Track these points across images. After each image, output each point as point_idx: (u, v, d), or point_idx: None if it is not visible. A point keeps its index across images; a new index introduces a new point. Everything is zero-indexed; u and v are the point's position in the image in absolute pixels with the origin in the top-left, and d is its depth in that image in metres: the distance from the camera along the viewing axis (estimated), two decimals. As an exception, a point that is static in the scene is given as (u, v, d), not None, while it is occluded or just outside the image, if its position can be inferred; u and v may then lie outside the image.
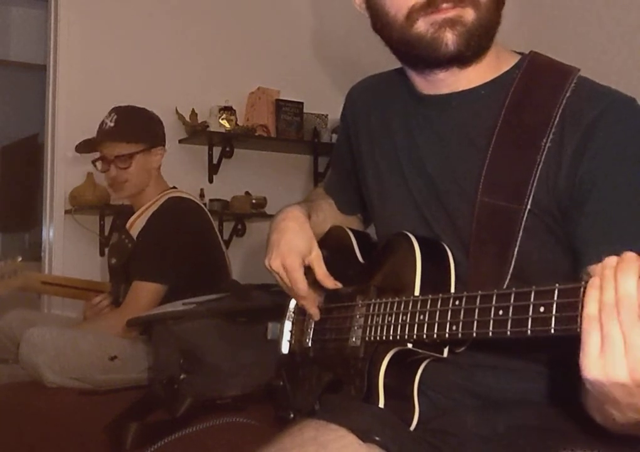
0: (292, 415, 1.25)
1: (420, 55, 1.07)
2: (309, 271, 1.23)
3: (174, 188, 2.65)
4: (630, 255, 0.75)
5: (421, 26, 1.04)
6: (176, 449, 1.56)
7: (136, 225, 2.53)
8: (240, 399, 1.80)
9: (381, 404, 1.07)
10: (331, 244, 1.28)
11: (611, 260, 0.76)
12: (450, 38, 1.03)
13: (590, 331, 0.75)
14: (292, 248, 1.22)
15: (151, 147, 2.54)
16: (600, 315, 0.74)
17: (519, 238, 1.02)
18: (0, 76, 5.62)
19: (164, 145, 2.61)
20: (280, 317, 1.36)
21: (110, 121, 2.52)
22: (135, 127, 2.54)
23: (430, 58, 1.06)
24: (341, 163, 1.39)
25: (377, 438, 1.01)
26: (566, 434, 1.02)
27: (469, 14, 1.03)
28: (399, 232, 1.12)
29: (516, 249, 1.02)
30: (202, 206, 2.67)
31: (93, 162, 2.62)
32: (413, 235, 1.10)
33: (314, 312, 1.25)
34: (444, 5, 1.02)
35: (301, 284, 1.21)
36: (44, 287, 2.78)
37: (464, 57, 1.06)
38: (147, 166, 2.54)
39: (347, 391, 1.13)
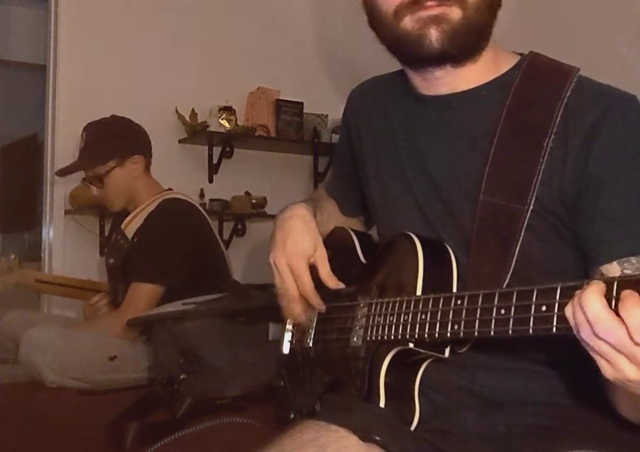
0: (292, 416, 1.25)
1: (408, 52, 1.08)
2: (312, 270, 1.23)
3: (170, 189, 2.65)
4: (593, 280, 0.76)
5: (408, 22, 1.05)
6: (175, 449, 1.56)
7: (131, 225, 2.53)
8: (240, 399, 1.80)
9: (382, 404, 1.07)
10: (333, 245, 1.28)
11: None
12: (434, 35, 1.03)
13: (586, 347, 0.77)
14: (298, 248, 1.21)
15: (124, 159, 2.52)
16: (581, 336, 0.76)
17: (520, 238, 1.02)
18: (0, 76, 5.62)
19: (140, 152, 2.57)
20: (280, 317, 1.36)
21: (82, 141, 2.54)
22: (100, 146, 2.53)
23: (417, 55, 1.07)
24: (342, 165, 1.39)
25: (377, 438, 1.01)
26: (567, 434, 1.02)
27: (454, 13, 1.03)
28: (401, 233, 1.12)
29: (517, 249, 1.02)
30: (199, 207, 2.68)
31: (82, 181, 2.67)
32: (416, 235, 1.10)
33: (302, 319, 1.25)
34: (429, 2, 1.03)
35: (307, 285, 1.21)
36: (39, 286, 2.78)
37: (451, 55, 1.06)
38: (126, 176, 2.53)
39: (348, 391, 1.13)
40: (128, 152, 2.54)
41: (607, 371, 0.76)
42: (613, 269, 0.95)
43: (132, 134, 2.61)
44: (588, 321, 0.74)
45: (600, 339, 0.74)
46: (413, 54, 1.07)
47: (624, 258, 0.95)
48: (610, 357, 0.75)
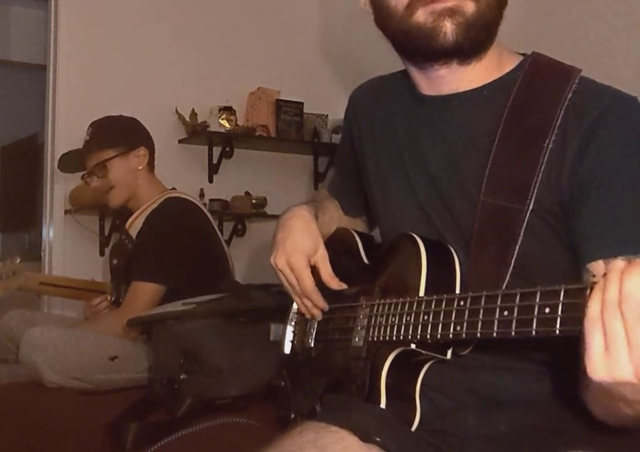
0: (292, 416, 1.25)
1: (419, 46, 1.07)
2: (314, 271, 1.23)
3: (173, 188, 2.65)
4: (638, 261, 0.74)
5: (421, 15, 1.04)
6: (175, 449, 1.56)
7: (135, 225, 2.53)
8: (240, 399, 1.80)
9: (383, 404, 1.07)
10: (336, 245, 1.28)
11: (618, 263, 0.75)
12: (449, 27, 1.03)
13: (592, 332, 0.75)
14: (298, 247, 1.22)
15: (128, 150, 2.53)
16: (602, 314, 0.74)
17: (520, 238, 1.02)
18: (0, 76, 5.62)
19: (145, 146, 2.58)
20: (281, 317, 1.36)
21: (87, 135, 2.56)
22: (106, 134, 2.54)
23: (429, 49, 1.06)
24: (345, 166, 1.39)
25: (378, 439, 1.01)
26: (568, 435, 1.02)
27: (468, 6, 1.03)
28: (404, 233, 1.12)
29: (517, 249, 1.02)
30: (202, 206, 2.67)
31: (82, 178, 2.66)
32: (419, 236, 1.10)
33: (316, 313, 1.25)
34: None
35: (308, 282, 1.21)
36: (43, 288, 2.78)
37: (463, 49, 1.06)
38: (128, 169, 2.53)
39: (349, 391, 1.13)
40: (132, 143, 2.55)
41: (596, 360, 0.74)
42: (599, 268, 0.95)
43: (138, 129, 2.62)
44: (620, 294, 0.72)
45: (620, 316, 0.72)
46: (425, 47, 1.06)
47: (610, 257, 0.94)
48: (613, 341, 0.73)
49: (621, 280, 0.73)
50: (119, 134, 2.56)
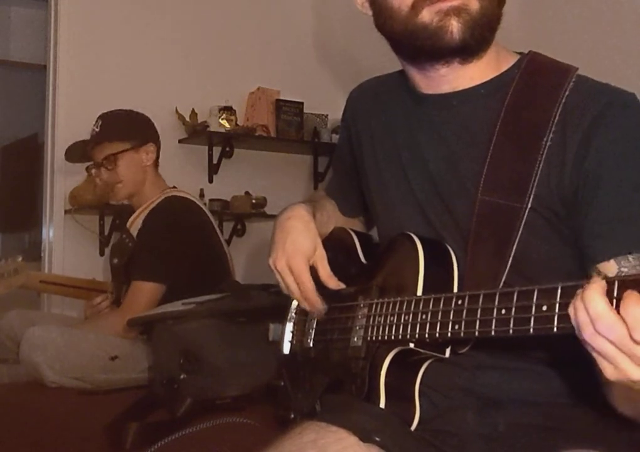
0: (292, 416, 1.25)
1: (424, 46, 1.06)
2: (312, 271, 1.23)
3: (174, 187, 2.65)
4: (595, 278, 0.76)
5: (426, 15, 1.04)
6: (175, 449, 1.56)
7: (136, 223, 2.53)
8: (239, 399, 1.80)
9: (382, 404, 1.07)
10: (334, 245, 1.28)
11: (584, 286, 0.77)
12: (455, 26, 1.03)
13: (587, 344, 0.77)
14: (298, 248, 1.21)
15: (139, 144, 2.54)
16: (583, 335, 0.76)
17: (518, 236, 1.02)
18: (0, 76, 5.62)
19: (155, 143, 2.59)
20: (280, 317, 1.36)
21: (97, 127, 2.55)
22: (118, 127, 2.55)
23: (434, 48, 1.06)
24: (342, 166, 1.39)
25: (377, 438, 1.01)
26: (567, 434, 1.02)
27: (473, 4, 1.03)
28: (402, 233, 1.12)
29: (515, 247, 1.02)
30: (202, 205, 2.67)
31: (87, 169, 2.65)
32: (416, 235, 1.10)
33: (318, 312, 1.24)
34: None
35: (308, 285, 1.21)
36: (44, 286, 2.78)
37: (468, 47, 1.06)
38: (138, 163, 2.54)
39: (348, 391, 1.13)
40: (144, 138, 2.55)
41: (608, 372, 0.76)
42: (610, 267, 0.95)
43: (148, 124, 2.63)
44: (589, 318, 0.74)
45: (602, 337, 0.74)
46: (430, 47, 1.06)
47: (621, 256, 0.95)
48: (611, 357, 0.75)
49: (583, 304, 0.75)
50: (131, 127, 2.56)
